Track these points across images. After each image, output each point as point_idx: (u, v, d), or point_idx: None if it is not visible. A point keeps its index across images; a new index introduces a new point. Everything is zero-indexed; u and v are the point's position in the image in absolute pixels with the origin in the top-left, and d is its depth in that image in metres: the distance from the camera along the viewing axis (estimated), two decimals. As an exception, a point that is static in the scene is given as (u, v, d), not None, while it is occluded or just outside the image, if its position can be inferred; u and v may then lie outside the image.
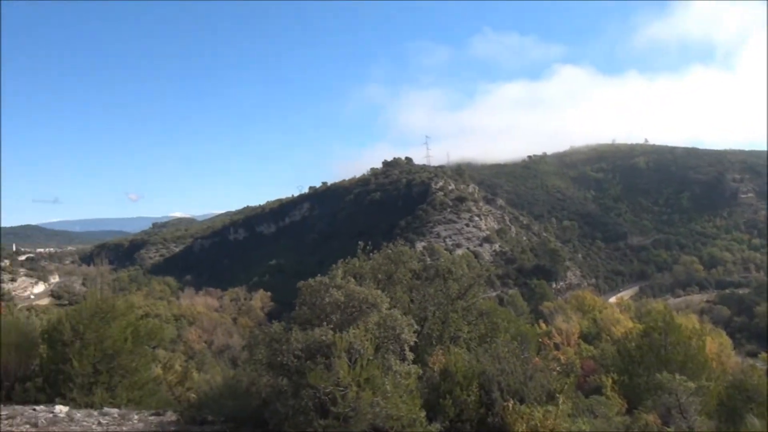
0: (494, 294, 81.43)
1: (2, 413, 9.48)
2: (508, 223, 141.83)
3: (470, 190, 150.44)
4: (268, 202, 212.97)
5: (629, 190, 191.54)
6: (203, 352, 53.52)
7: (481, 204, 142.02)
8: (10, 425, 8.59)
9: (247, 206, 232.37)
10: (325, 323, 7.89)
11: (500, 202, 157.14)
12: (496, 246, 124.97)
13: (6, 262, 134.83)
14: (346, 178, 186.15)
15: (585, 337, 33.31)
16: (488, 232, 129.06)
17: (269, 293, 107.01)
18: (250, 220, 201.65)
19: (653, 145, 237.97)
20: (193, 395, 8.87)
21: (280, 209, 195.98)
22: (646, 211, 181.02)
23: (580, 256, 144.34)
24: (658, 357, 14.19)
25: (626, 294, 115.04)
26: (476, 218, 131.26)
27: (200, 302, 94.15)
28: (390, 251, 11.72)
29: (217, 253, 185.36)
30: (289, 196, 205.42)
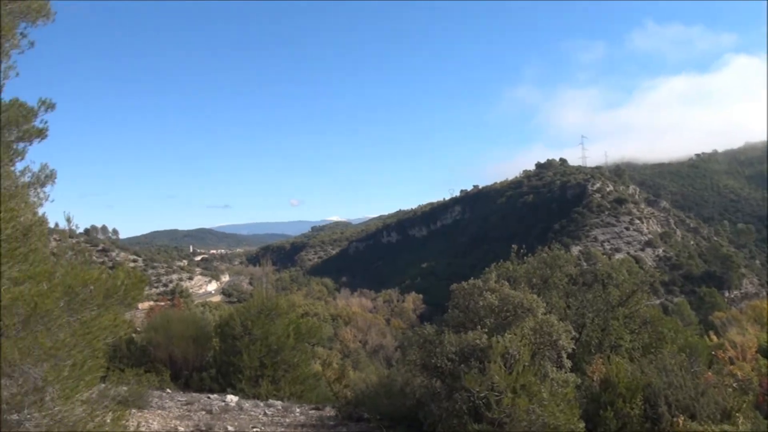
0: (658, 302, 76.24)
1: (182, 399, 10.39)
2: (673, 226, 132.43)
3: (630, 191, 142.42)
4: (420, 205, 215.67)
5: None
6: (358, 351, 55.23)
7: (642, 206, 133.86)
8: (189, 410, 9.37)
9: (400, 210, 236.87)
10: (478, 327, 7.79)
11: (664, 203, 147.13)
12: (660, 251, 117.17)
13: (184, 262, 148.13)
14: (498, 181, 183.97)
15: (764, 352, 30.17)
16: (651, 236, 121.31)
17: (421, 295, 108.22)
18: (403, 223, 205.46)
19: None
20: (350, 392, 9.13)
21: (432, 213, 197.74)
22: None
23: (758, 262, 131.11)
24: None
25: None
26: (637, 221, 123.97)
27: (355, 303, 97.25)
28: (546, 255, 11.35)
29: (371, 255, 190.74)
30: (441, 199, 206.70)
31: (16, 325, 3.50)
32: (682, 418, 7.41)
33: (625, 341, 11.15)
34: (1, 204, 3.65)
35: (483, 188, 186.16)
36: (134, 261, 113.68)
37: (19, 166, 4.85)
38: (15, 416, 3.65)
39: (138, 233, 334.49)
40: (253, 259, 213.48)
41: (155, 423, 7.95)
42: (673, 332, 13.17)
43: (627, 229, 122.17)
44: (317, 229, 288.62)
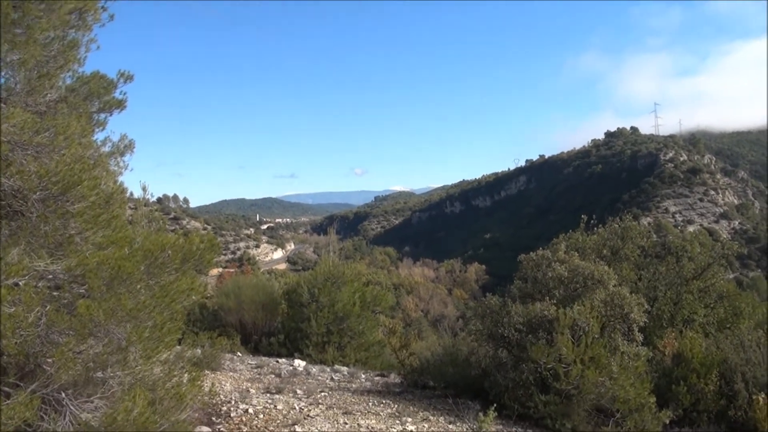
0: (732, 276, 73.33)
1: (252, 363, 10.72)
2: (751, 197, 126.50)
3: (705, 161, 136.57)
4: (484, 175, 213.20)
5: None
6: (420, 320, 55.57)
7: (718, 176, 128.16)
8: (259, 373, 9.67)
9: (464, 180, 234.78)
10: (547, 298, 7.69)
11: (742, 174, 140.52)
12: (736, 223, 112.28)
13: (251, 230, 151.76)
14: (565, 151, 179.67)
15: None
16: (726, 208, 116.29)
17: (484, 266, 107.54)
18: (466, 193, 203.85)
19: None
20: (414, 360, 9.21)
21: (496, 183, 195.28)
22: None
23: None
24: None
25: None
26: (712, 192, 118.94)
27: (417, 272, 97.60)
28: (617, 226, 11.04)
29: (434, 225, 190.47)
30: (506, 169, 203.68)
31: (101, 287, 3.65)
32: (762, 396, 7.14)
33: (699, 316, 10.78)
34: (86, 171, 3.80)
35: (549, 158, 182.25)
36: (204, 229, 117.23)
37: (100, 136, 5.03)
38: (100, 374, 3.84)
39: (207, 202, 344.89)
40: (318, 228, 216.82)
41: (228, 384, 8.24)
42: (751, 307, 12.65)
43: (701, 200, 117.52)
44: (380, 199, 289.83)
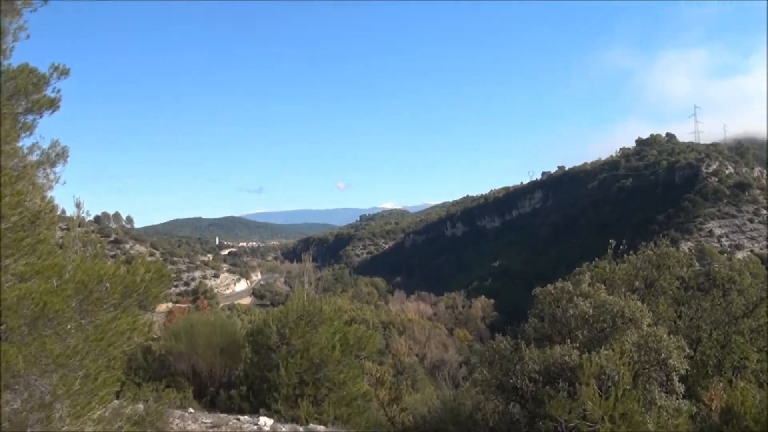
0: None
1: (207, 421, 10.59)
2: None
3: (755, 174, 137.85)
4: (492, 191, 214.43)
5: None
6: (414, 366, 55.27)
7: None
8: (216, 434, 9.54)
9: (467, 196, 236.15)
10: (568, 341, 7.67)
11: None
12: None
13: (209, 257, 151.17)
14: (588, 161, 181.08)
15: None
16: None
17: (492, 300, 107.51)
18: (471, 212, 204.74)
19: None
20: (408, 417, 9.15)
21: (507, 199, 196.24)
22: None
23: None
24: None
25: None
26: (764, 211, 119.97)
27: (411, 308, 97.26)
28: (651, 252, 11.07)
29: (432, 250, 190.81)
30: (518, 183, 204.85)
31: (22, 328, 3.59)
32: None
33: (752, 361, 10.80)
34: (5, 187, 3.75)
35: (570, 170, 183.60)
36: (151, 255, 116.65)
37: (26, 141, 4.96)
38: (19, 436, 3.75)
39: (156, 222, 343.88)
40: (290, 254, 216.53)
41: (178, 447, 8.12)
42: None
43: (751, 221, 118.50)
44: (367, 219, 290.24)
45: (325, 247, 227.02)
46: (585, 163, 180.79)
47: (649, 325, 8.11)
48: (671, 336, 8.07)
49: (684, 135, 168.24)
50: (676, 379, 7.77)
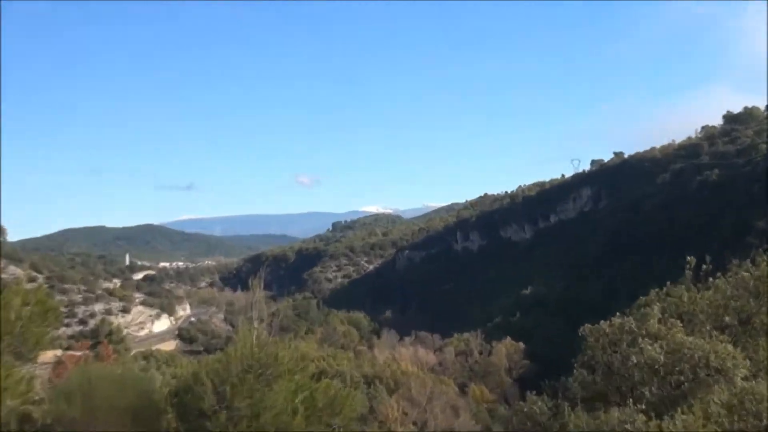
0: None
1: None
2: None
3: None
4: (520, 187, 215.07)
5: None
6: (412, 439, 55.30)
7: None
8: None
9: (485, 195, 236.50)
10: (630, 400, 7.67)
11: None
12: None
13: (116, 283, 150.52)
14: (657, 146, 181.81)
15: None
16: None
17: (521, 344, 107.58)
18: (491, 217, 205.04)
19: None
20: None
21: (542, 200, 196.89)
22: None
23: None
24: None
25: None
26: None
27: (406, 355, 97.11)
28: (747, 274, 11.13)
29: (435, 272, 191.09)
30: (557, 177, 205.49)
31: None
32: None
33: None
34: None
35: (631, 158, 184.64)
36: (31, 281, 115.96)
37: None
38: None
39: (40, 233, 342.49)
40: (232, 279, 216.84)
41: None
42: None
43: None
44: (343, 227, 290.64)
45: (282, 269, 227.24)
46: (652, 149, 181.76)
47: (745, 378, 8.13)
48: (777, 393, 8.10)
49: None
50: (784, 455, 7.81)
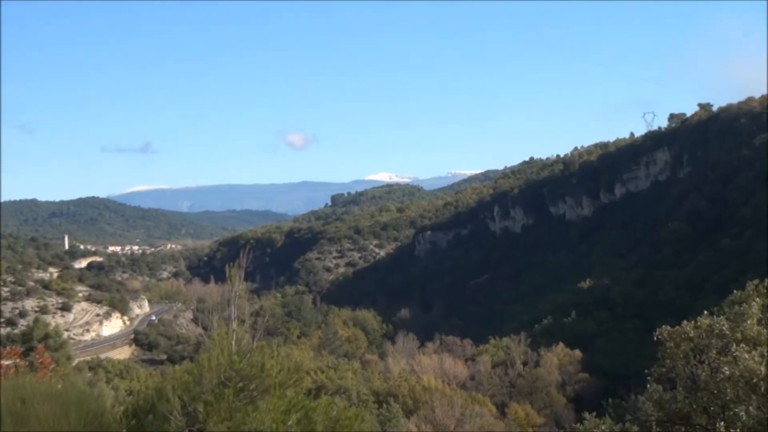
0: None
1: None
2: None
3: None
4: (576, 149, 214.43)
5: None
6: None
7: None
8: None
9: (531, 160, 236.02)
10: (721, 423, 7.72)
11: None
12: None
13: (52, 273, 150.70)
14: (756, 96, 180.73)
15: None
16: None
17: (577, 352, 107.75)
18: (537, 189, 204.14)
19: None
20: None
21: (604, 166, 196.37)
22: None
23: None
24: None
25: None
26: None
27: (429, 365, 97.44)
28: None
29: (465, 259, 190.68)
30: (625, 137, 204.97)
31: None
32: None
33: None
34: None
35: (721, 111, 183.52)
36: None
37: None
38: None
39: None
40: (203, 267, 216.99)
41: None
42: None
43: None
44: (345, 202, 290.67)
45: (268, 254, 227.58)
46: (749, 99, 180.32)
47: None
48: None
49: None
50: None
